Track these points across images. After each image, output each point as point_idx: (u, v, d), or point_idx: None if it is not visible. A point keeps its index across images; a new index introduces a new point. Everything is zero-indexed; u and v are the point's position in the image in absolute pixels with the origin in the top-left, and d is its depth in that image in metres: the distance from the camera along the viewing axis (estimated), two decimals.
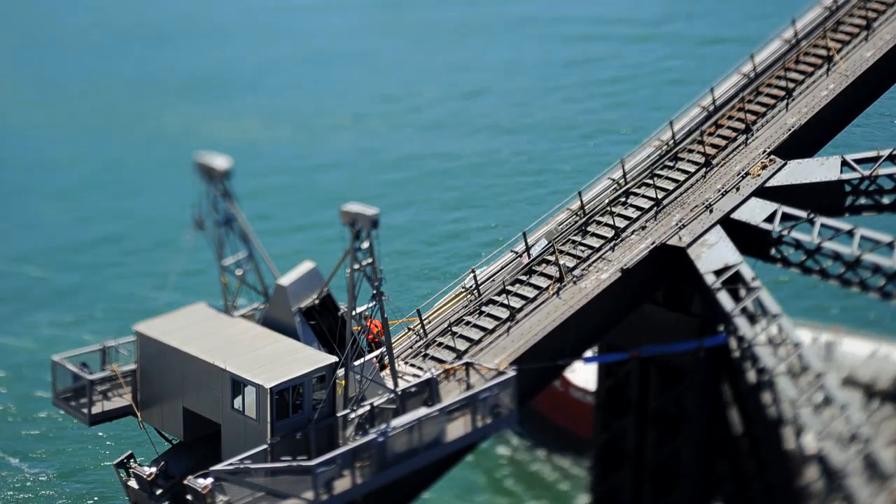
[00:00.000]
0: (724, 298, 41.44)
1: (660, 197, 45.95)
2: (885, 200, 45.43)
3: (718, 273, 42.24)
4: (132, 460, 38.56)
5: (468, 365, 39.42)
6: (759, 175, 45.99)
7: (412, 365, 40.49)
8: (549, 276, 43.13)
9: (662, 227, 44.74)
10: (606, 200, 45.85)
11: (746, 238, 43.98)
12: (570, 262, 43.62)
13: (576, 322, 41.74)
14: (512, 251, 44.87)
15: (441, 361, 40.51)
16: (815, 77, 50.07)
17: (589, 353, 45.68)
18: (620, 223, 45.01)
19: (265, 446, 35.90)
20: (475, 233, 76.39)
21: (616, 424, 48.72)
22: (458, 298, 43.31)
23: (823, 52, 50.86)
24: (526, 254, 44.16)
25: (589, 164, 68.29)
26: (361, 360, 37.16)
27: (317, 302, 39.05)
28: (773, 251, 43.98)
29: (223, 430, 37.42)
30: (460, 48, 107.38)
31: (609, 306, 42.97)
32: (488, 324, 41.87)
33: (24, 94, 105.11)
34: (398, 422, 36.39)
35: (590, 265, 43.65)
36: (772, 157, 46.78)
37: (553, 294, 42.52)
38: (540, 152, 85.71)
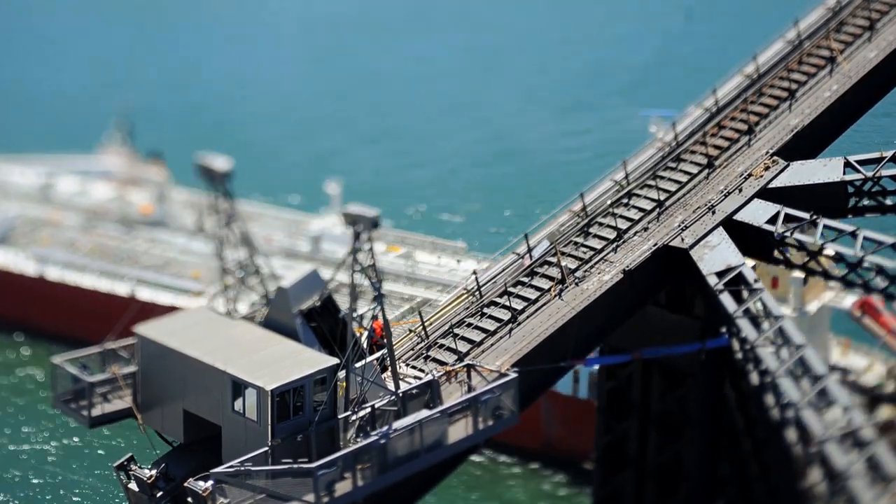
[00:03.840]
0: (727, 300, 41.29)
1: (662, 198, 45.83)
2: (889, 201, 45.28)
3: (721, 275, 42.08)
4: (132, 463, 38.41)
5: (470, 367, 39.31)
6: (761, 176, 45.86)
7: (413, 367, 40.38)
8: (551, 278, 43.00)
9: (665, 229, 44.62)
10: (608, 202, 45.74)
11: (749, 239, 43.84)
12: (572, 264, 43.50)
13: (578, 324, 41.60)
14: (514, 253, 44.78)
15: (442, 363, 40.40)
16: (818, 78, 49.95)
17: (591, 355, 45.53)
18: (622, 224, 44.89)
19: (266, 448, 35.79)
20: None
21: (618, 427, 48.57)
22: (459, 300, 43.20)
23: (826, 53, 50.74)
24: (528, 255, 44.05)
25: None
26: (362, 362, 37.05)
27: (318, 304, 38.93)
28: (775, 252, 43.83)
29: (224, 432, 37.31)
30: None
31: (611, 308, 42.84)
32: (490, 325, 41.76)
33: None
34: (399, 424, 36.28)
35: (592, 267, 43.53)
36: (774, 158, 46.64)
37: (555, 296, 42.39)
38: None
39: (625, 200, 45.94)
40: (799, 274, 60.05)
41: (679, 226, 44.33)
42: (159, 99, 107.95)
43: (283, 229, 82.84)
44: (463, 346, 41.01)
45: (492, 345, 41.06)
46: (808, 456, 36.65)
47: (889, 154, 45.14)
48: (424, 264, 74.95)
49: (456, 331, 41.48)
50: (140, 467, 38.16)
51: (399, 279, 73.08)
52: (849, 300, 63.75)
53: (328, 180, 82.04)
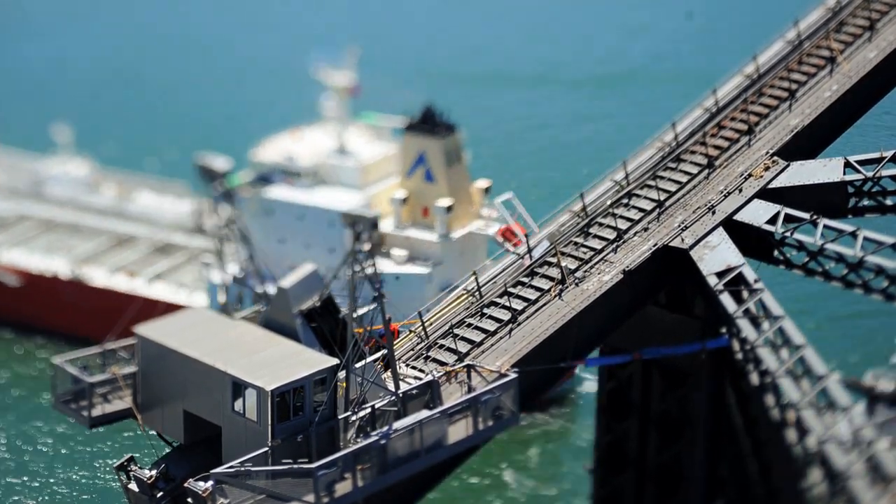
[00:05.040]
0: (727, 300, 41.27)
1: (662, 198, 45.83)
2: (889, 202, 45.25)
3: (721, 275, 42.06)
4: (133, 463, 38.45)
5: (470, 367, 39.31)
6: (761, 176, 45.85)
7: (413, 367, 40.37)
8: (551, 278, 43.00)
9: (665, 229, 44.62)
10: (608, 202, 45.74)
11: (749, 240, 43.83)
12: (572, 264, 43.49)
13: (578, 324, 41.60)
14: (514, 253, 44.77)
15: (442, 363, 40.40)
16: (818, 78, 49.94)
17: (591, 355, 45.51)
18: (622, 225, 44.89)
19: (266, 449, 35.80)
20: None
21: (618, 427, 48.58)
22: (459, 300, 43.19)
23: (826, 53, 50.73)
24: (528, 255, 44.04)
25: None
26: (362, 362, 37.06)
27: (318, 304, 38.94)
28: (775, 253, 43.82)
29: (224, 432, 37.33)
30: None
31: (611, 308, 42.84)
32: (490, 326, 41.76)
33: None
34: (399, 424, 36.29)
35: (592, 267, 43.52)
36: (774, 158, 46.64)
37: (555, 296, 42.39)
38: None
39: (625, 200, 45.94)
40: (446, 201, 67.95)
41: (679, 226, 44.33)
42: None
43: (6, 170, 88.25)
44: (463, 347, 41.01)
45: (492, 345, 41.06)
46: (808, 456, 36.63)
47: (889, 154, 45.11)
48: (146, 205, 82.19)
49: (456, 331, 41.49)
50: (140, 467, 38.20)
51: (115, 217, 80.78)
52: (493, 228, 69.96)
53: (57, 124, 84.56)
